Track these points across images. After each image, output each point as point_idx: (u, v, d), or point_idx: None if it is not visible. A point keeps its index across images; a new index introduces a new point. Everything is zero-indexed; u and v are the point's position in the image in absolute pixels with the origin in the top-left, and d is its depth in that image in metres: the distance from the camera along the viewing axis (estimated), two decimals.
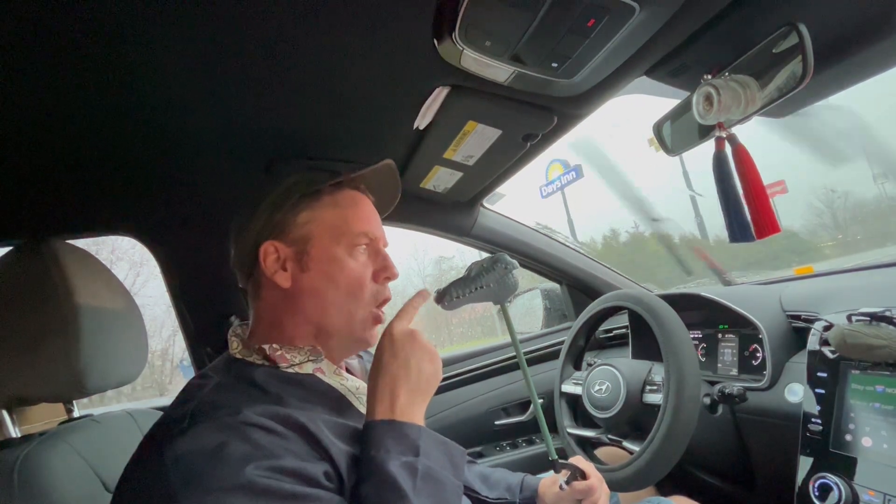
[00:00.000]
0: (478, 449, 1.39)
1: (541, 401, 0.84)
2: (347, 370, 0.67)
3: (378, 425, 0.51)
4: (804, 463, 0.74)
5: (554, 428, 1.11)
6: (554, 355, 1.36)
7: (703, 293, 1.08)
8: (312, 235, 0.60)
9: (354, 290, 0.60)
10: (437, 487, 0.48)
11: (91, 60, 0.56)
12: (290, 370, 0.57)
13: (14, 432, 0.71)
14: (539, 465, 1.31)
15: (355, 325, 0.61)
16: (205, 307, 1.09)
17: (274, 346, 0.57)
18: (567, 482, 0.74)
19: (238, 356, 0.58)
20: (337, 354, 0.63)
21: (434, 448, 0.51)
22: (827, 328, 0.77)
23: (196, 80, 0.65)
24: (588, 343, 1.18)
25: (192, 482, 0.41)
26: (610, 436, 0.99)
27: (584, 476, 0.74)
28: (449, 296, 0.71)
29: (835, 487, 0.67)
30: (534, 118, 0.84)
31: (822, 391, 0.75)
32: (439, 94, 0.76)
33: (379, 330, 0.62)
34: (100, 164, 0.81)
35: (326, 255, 0.60)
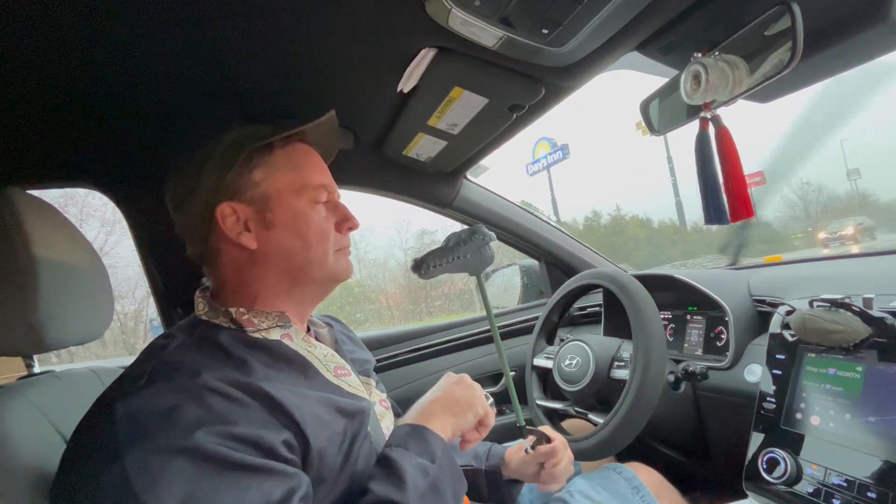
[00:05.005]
0: None
1: (513, 373, 0.85)
2: (317, 338, 0.66)
3: (403, 426, 0.55)
4: (756, 438, 0.78)
5: (524, 400, 1.14)
6: (528, 330, 1.38)
7: (675, 275, 1.11)
8: (271, 193, 0.58)
9: (322, 240, 0.60)
10: (438, 500, 0.50)
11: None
12: (256, 335, 0.56)
13: None
14: (508, 435, 1.34)
15: (326, 267, 0.61)
16: (175, 267, 1.06)
17: (241, 309, 0.56)
18: (532, 447, 0.76)
19: (204, 318, 0.57)
20: (311, 299, 0.64)
21: (447, 464, 0.53)
22: (789, 313, 0.80)
23: (172, 31, 0.60)
24: (562, 319, 1.20)
25: (138, 441, 0.41)
26: (576, 408, 1.02)
27: (548, 441, 0.76)
28: (426, 265, 0.70)
29: (782, 461, 0.71)
30: (521, 88, 0.82)
31: (779, 372, 0.79)
32: (425, 56, 0.73)
33: (346, 261, 0.64)
34: (65, 111, 0.75)
35: (290, 211, 0.59)
